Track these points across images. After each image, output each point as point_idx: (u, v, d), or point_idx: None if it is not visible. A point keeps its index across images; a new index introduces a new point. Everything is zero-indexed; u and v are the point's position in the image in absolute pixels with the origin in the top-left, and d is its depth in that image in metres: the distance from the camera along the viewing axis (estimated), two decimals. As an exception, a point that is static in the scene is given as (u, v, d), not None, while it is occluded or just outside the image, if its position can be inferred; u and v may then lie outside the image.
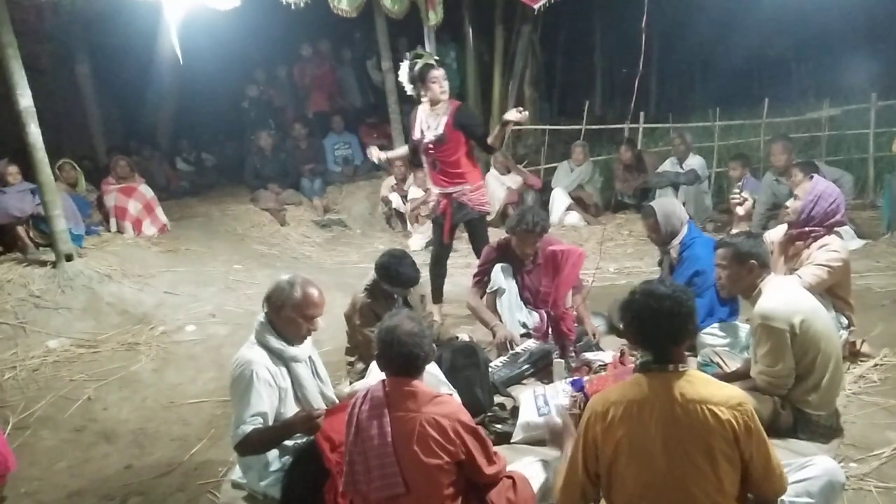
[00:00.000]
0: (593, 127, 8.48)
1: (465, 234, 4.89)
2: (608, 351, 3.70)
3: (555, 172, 7.82)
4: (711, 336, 3.54)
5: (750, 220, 4.54)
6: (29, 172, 5.18)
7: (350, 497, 2.26)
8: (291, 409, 2.63)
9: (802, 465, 2.19)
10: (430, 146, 4.28)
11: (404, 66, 4.37)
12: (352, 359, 3.72)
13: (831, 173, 5.61)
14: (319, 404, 2.74)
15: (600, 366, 3.42)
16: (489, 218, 5.20)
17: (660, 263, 4.05)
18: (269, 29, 8.40)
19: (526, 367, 3.57)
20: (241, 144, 9.46)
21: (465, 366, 3.24)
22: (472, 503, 2.21)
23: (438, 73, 4.22)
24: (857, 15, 10.07)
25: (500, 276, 3.94)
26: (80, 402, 3.90)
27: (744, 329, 3.54)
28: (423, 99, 4.33)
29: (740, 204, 4.05)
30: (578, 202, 7.43)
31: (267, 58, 9.54)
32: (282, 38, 9.08)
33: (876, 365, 3.44)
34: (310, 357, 2.77)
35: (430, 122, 4.29)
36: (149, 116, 9.89)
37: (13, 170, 5.63)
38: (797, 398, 2.74)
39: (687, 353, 2.12)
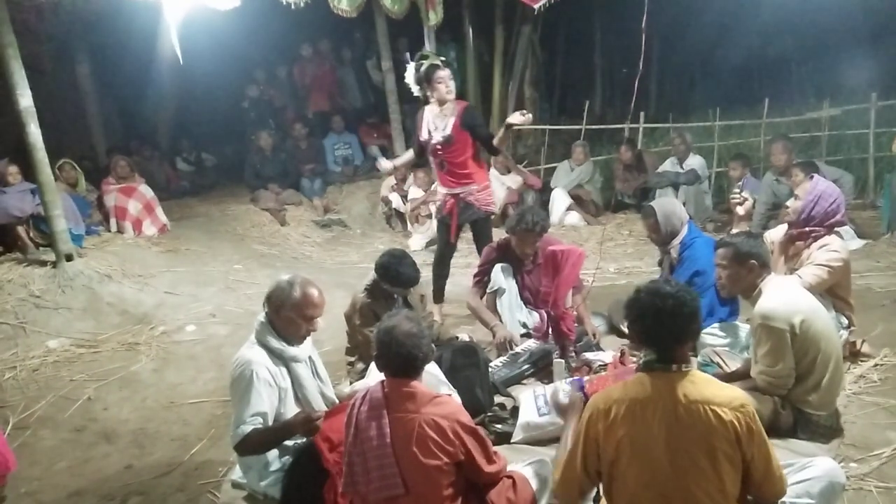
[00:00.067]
0: (593, 127, 8.48)
1: (465, 234, 4.89)
2: (608, 351, 3.70)
3: (554, 172, 7.82)
4: (711, 336, 3.54)
5: (750, 220, 4.54)
6: (29, 172, 5.19)
7: (350, 498, 2.26)
8: (291, 409, 2.63)
9: (803, 465, 2.19)
10: (439, 147, 4.29)
11: (410, 68, 4.39)
12: (352, 359, 3.72)
13: (831, 173, 5.61)
14: (319, 404, 2.74)
15: (600, 366, 3.42)
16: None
17: (660, 263, 4.05)
18: (269, 29, 8.39)
19: (526, 367, 3.57)
20: (241, 144, 9.46)
21: (465, 366, 3.24)
22: (472, 503, 2.21)
23: (444, 73, 4.23)
24: (858, 15, 10.06)
25: (500, 276, 3.94)
26: (81, 402, 3.90)
27: (744, 329, 3.54)
28: (430, 100, 4.34)
29: (740, 204, 4.05)
30: (577, 200, 7.43)
31: (267, 58, 9.54)
32: (282, 38, 9.08)
33: (876, 365, 3.44)
34: (310, 357, 2.77)
35: (437, 123, 4.30)
36: (149, 116, 9.90)
37: (13, 170, 5.63)
38: (797, 398, 2.73)
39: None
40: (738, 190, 4.24)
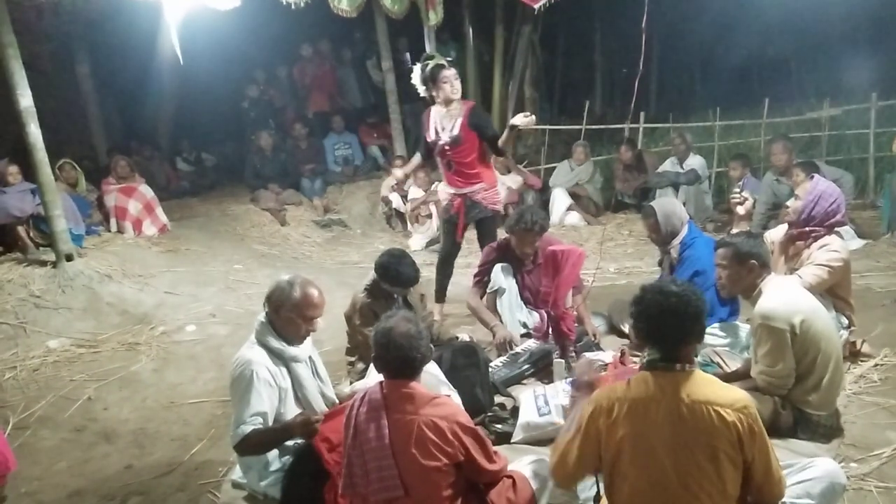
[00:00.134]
0: (593, 127, 8.48)
1: (466, 234, 4.89)
2: (608, 351, 3.69)
3: (554, 172, 7.82)
4: (711, 336, 3.54)
5: (750, 220, 4.54)
6: (29, 172, 5.19)
7: (349, 499, 2.25)
8: (291, 409, 2.63)
9: (803, 466, 2.19)
10: (447, 147, 4.30)
11: (416, 69, 4.40)
12: (352, 359, 3.72)
13: (831, 173, 5.61)
14: (319, 404, 2.74)
15: (600, 366, 3.41)
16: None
17: (660, 263, 4.05)
18: (269, 29, 8.39)
19: (526, 367, 3.57)
20: (241, 144, 9.47)
21: (465, 366, 3.24)
22: (472, 503, 2.21)
23: (449, 73, 4.23)
24: (858, 15, 10.06)
25: (500, 276, 3.94)
26: (81, 402, 3.90)
27: (744, 329, 3.54)
28: (436, 101, 4.35)
29: (741, 203, 4.05)
30: (575, 198, 7.42)
31: (267, 58, 9.53)
32: (282, 38, 9.08)
33: (876, 365, 3.44)
34: (310, 357, 2.77)
35: (444, 124, 4.30)
36: (149, 116, 9.89)
37: (13, 170, 5.63)
38: (797, 398, 2.73)
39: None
40: (738, 190, 4.24)
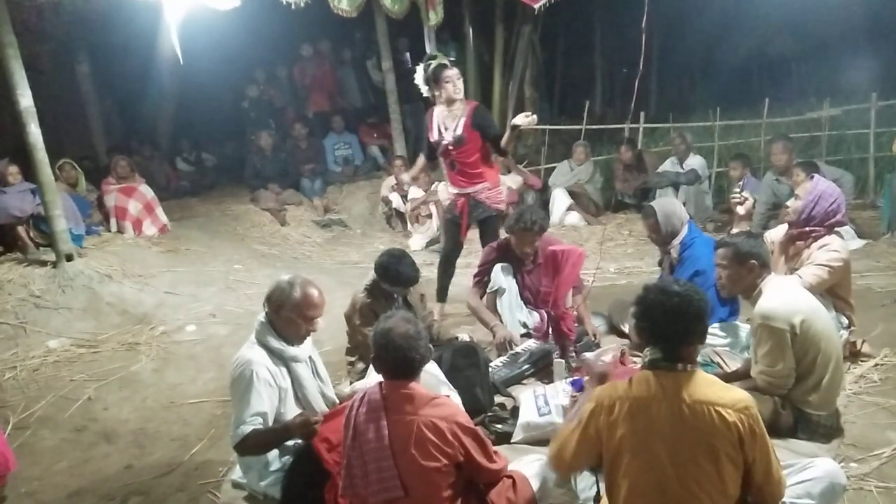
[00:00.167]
0: (593, 127, 8.48)
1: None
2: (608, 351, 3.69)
3: (554, 172, 7.82)
4: (712, 336, 3.53)
5: (750, 220, 4.53)
6: (29, 172, 5.19)
7: (349, 500, 2.25)
8: (291, 409, 2.63)
9: (803, 466, 2.19)
10: (451, 147, 4.30)
11: (419, 69, 4.40)
12: (352, 359, 3.72)
13: (831, 173, 5.61)
14: (320, 404, 2.74)
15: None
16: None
17: (660, 263, 4.05)
18: (269, 29, 8.39)
19: (526, 367, 3.57)
20: (241, 144, 9.46)
21: (466, 366, 3.24)
22: (473, 503, 2.21)
23: (452, 72, 4.23)
24: (858, 15, 10.06)
25: (500, 276, 3.94)
26: (81, 402, 3.90)
27: (744, 329, 3.54)
28: (439, 101, 4.35)
29: (741, 203, 4.04)
30: (575, 198, 7.42)
31: (267, 58, 9.53)
32: (282, 38, 9.08)
33: (876, 365, 3.44)
34: (310, 357, 2.77)
35: (447, 124, 4.30)
36: (149, 116, 9.89)
37: (13, 170, 5.63)
38: (797, 398, 2.73)
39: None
40: (738, 190, 4.23)
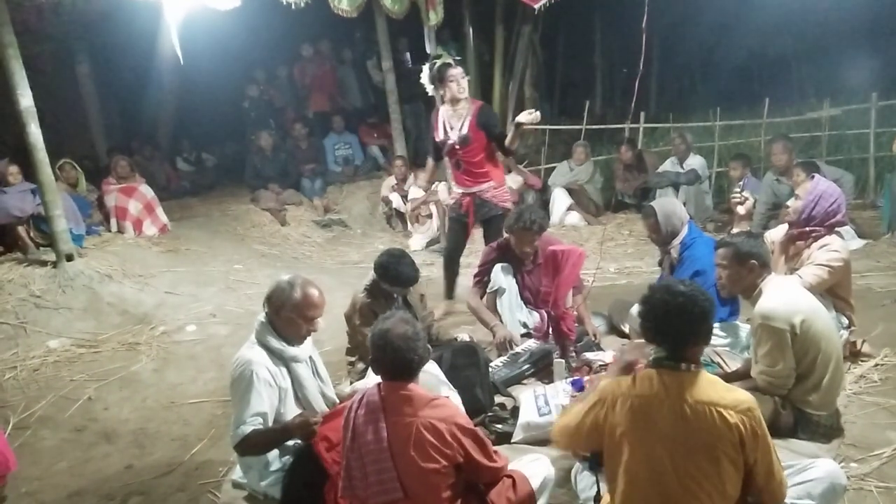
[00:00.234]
0: (594, 127, 8.48)
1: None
2: (608, 351, 3.69)
3: (554, 172, 7.82)
4: (712, 336, 3.53)
5: (750, 220, 4.54)
6: (29, 172, 5.19)
7: (349, 502, 2.25)
8: (291, 409, 2.63)
9: (804, 467, 2.20)
10: (456, 146, 4.30)
11: (425, 68, 4.42)
12: (352, 359, 3.72)
13: (832, 173, 5.61)
14: (320, 404, 2.74)
15: (601, 366, 3.42)
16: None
17: (660, 263, 4.05)
18: (269, 29, 8.39)
19: (526, 367, 3.57)
20: (241, 144, 9.47)
21: (466, 366, 3.24)
22: (473, 503, 2.21)
23: (455, 71, 4.25)
24: (858, 14, 10.04)
25: (500, 276, 3.94)
26: (81, 402, 3.91)
27: (744, 329, 3.54)
28: (444, 100, 4.36)
29: (741, 203, 4.04)
30: (575, 198, 7.42)
31: (267, 58, 9.53)
32: (282, 38, 9.08)
33: (876, 365, 3.44)
34: (310, 357, 2.77)
35: (452, 123, 4.32)
36: (149, 116, 9.89)
37: (14, 170, 5.64)
38: (798, 398, 2.73)
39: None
40: (738, 189, 4.23)
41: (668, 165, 7.11)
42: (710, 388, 1.93)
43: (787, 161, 5.82)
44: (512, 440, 2.96)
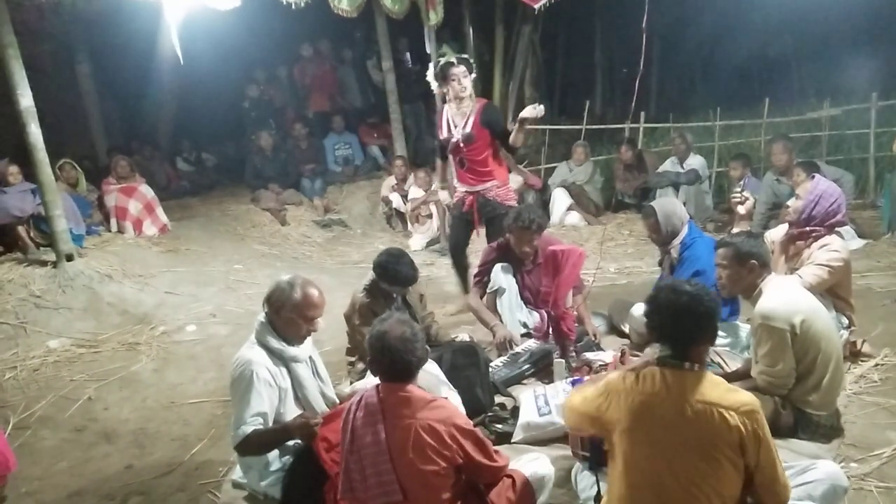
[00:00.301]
0: (594, 127, 8.48)
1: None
2: (609, 351, 3.69)
3: (554, 172, 7.82)
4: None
5: (751, 220, 4.53)
6: (29, 172, 5.19)
7: (348, 503, 2.25)
8: (291, 409, 2.63)
9: (805, 468, 2.19)
10: (461, 144, 4.31)
11: (431, 66, 4.43)
12: (352, 359, 3.72)
13: (832, 173, 5.61)
14: (320, 404, 2.74)
15: (601, 366, 3.41)
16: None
17: (660, 263, 4.04)
18: (269, 29, 8.39)
19: (526, 367, 3.57)
20: (241, 144, 9.47)
21: (466, 366, 3.24)
22: (473, 503, 2.20)
23: (458, 70, 4.25)
24: (858, 15, 10.05)
25: (500, 276, 3.94)
26: (81, 402, 3.91)
27: (744, 329, 3.54)
28: (448, 98, 4.38)
29: (741, 203, 4.04)
30: (574, 198, 7.41)
31: (267, 58, 9.53)
32: (282, 38, 9.08)
33: (877, 365, 3.44)
34: (310, 357, 2.76)
35: (456, 121, 4.33)
36: (149, 116, 9.89)
37: (14, 170, 5.64)
38: (798, 398, 2.73)
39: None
40: (739, 189, 4.23)
41: (668, 165, 7.11)
42: (712, 388, 1.93)
43: (787, 161, 5.82)
44: (512, 440, 2.96)
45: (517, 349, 3.68)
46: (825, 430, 2.76)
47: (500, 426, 3.05)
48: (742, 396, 1.93)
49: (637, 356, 3.29)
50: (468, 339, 3.84)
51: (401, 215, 7.67)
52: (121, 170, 6.80)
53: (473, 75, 4.36)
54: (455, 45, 8.86)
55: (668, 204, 3.92)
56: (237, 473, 2.76)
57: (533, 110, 3.98)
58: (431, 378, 2.83)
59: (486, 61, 9.17)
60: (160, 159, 8.92)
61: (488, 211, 4.44)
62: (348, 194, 8.42)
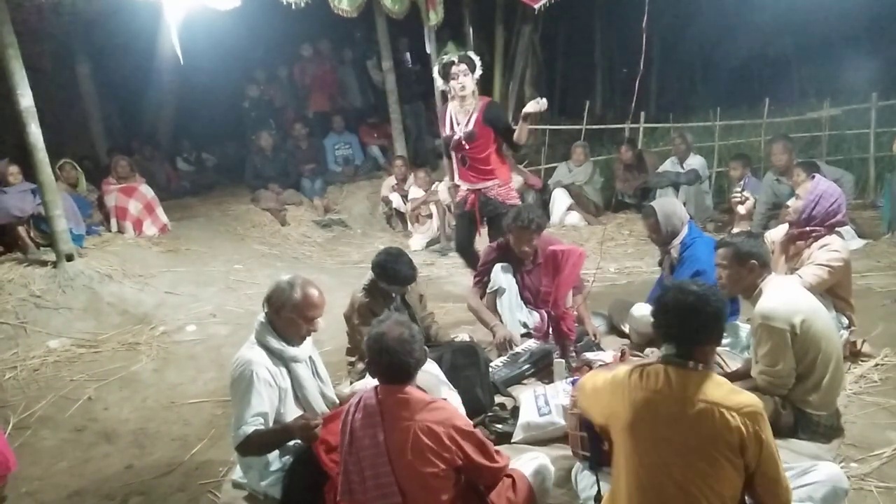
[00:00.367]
0: (594, 127, 8.48)
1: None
2: (609, 351, 3.69)
3: (554, 172, 7.82)
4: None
5: (751, 220, 4.54)
6: (30, 172, 5.19)
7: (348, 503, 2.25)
8: (291, 409, 2.63)
9: (805, 470, 2.19)
10: (463, 142, 4.31)
11: (436, 65, 4.45)
12: (352, 359, 3.71)
13: (832, 173, 5.61)
14: (320, 404, 2.74)
15: (601, 366, 3.41)
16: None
17: (660, 263, 4.04)
18: (269, 29, 8.39)
19: (526, 367, 3.57)
20: (241, 144, 9.47)
21: (466, 366, 3.24)
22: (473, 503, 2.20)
23: (458, 68, 4.27)
24: (858, 15, 10.06)
25: (500, 276, 3.94)
26: (81, 402, 3.90)
27: (744, 329, 3.53)
28: (450, 96, 4.40)
29: (741, 203, 4.04)
30: (574, 198, 7.41)
31: (267, 58, 9.53)
32: (282, 38, 9.08)
33: (877, 365, 3.44)
34: (310, 357, 2.76)
35: (459, 118, 4.35)
36: (149, 116, 9.90)
37: (14, 170, 5.64)
38: (798, 398, 2.73)
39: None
40: (739, 189, 4.23)
41: (668, 165, 7.11)
42: (715, 388, 1.93)
43: (787, 161, 5.82)
44: (512, 440, 2.96)
45: (517, 349, 3.68)
46: (825, 430, 2.76)
47: (500, 426, 3.05)
48: (745, 398, 1.93)
49: (637, 356, 3.30)
50: (468, 339, 3.83)
51: (401, 215, 7.68)
52: (121, 170, 6.80)
53: (479, 73, 4.36)
54: (455, 45, 8.87)
55: (668, 204, 3.92)
56: (237, 473, 2.76)
57: (536, 104, 3.99)
58: (431, 378, 2.83)
59: (486, 61, 9.15)
60: (160, 159, 8.92)
61: (490, 210, 4.44)
62: (348, 194, 8.42)
